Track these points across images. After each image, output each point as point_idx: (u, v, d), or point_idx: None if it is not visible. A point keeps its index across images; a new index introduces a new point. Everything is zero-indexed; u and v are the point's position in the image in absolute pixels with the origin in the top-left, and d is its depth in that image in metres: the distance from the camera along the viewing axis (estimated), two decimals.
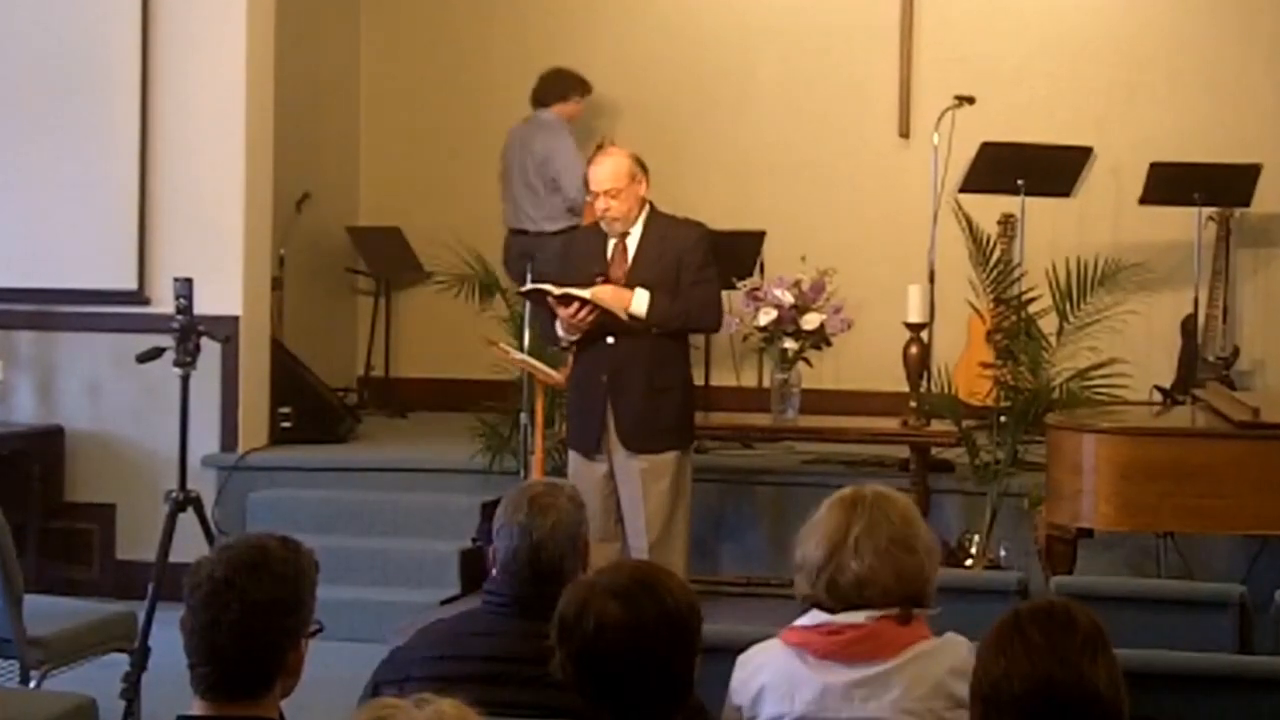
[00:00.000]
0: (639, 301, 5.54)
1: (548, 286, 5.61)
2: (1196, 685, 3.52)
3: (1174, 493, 5.37)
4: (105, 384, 7.31)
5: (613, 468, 5.63)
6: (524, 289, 5.91)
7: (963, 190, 7.41)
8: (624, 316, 5.51)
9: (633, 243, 5.63)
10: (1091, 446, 5.46)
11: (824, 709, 2.93)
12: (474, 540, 6.73)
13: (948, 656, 2.93)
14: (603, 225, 5.65)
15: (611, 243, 5.65)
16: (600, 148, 6.83)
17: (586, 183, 5.79)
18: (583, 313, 5.49)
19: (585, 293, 5.48)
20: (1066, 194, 7.76)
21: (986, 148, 7.45)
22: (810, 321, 6.64)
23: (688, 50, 8.90)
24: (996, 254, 6.84)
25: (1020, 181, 7.49)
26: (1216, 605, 4.19)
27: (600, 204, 5.59)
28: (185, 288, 5.47)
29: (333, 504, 7.16)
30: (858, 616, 2.94)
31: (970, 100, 7.71)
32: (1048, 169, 7.62)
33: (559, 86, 8.22)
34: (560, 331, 5.67)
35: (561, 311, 5.54)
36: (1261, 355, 8.32)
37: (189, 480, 5.64)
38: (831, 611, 2.97)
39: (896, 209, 8.44)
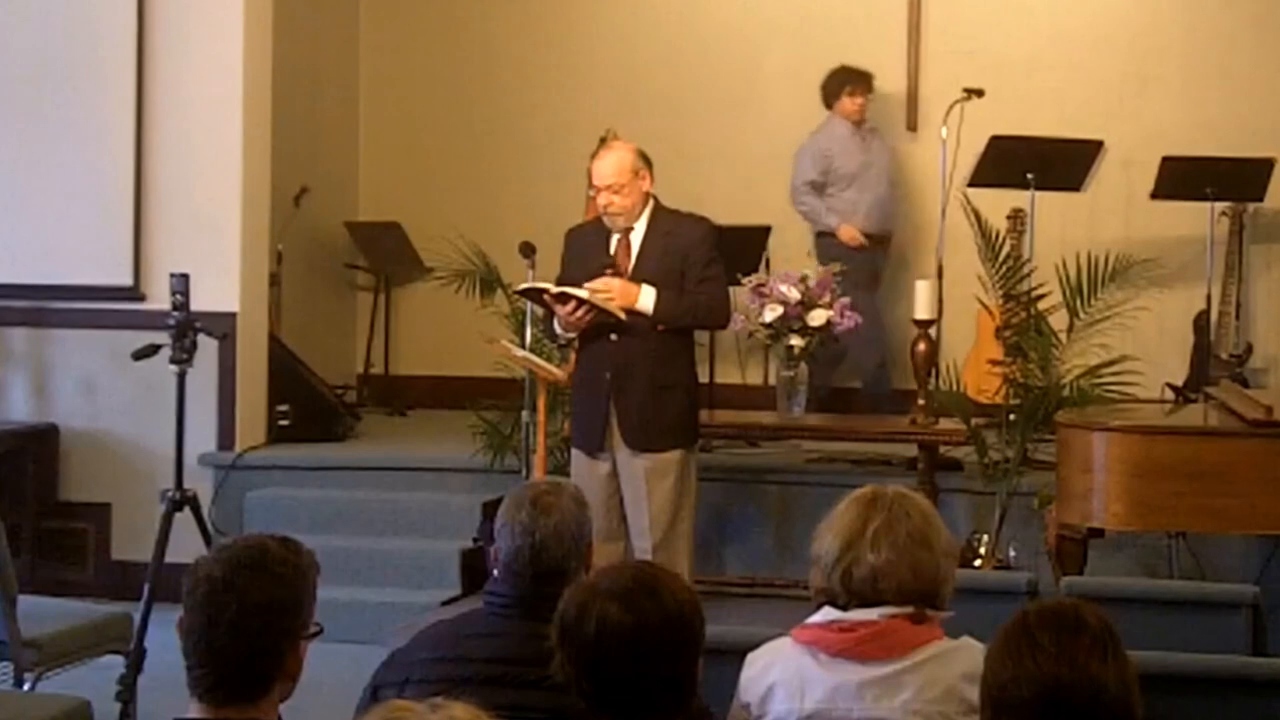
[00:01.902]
0: (645, 298, 5.50)
1: (544, 285, 5.59)
2: (1209, 687, 3.52)
3: (1186, 492, 5.34)
4: (100, 382, 7.29)
5: (616, 466, 5.59)
6: (521, 287, 5.90)
7: (971, 184, 7.39)
8: (621, 315, 5.47)
9: (636, 238, 5.59)
10: (1102, 445, 5.43)
11: (834, 707, 2.91)
12: (475, 540, 6.70)
13: (961, 660, 2.89)
14: (605, 221, 5.60)
15: (615, 238, 5.60)
16: (604, 141, 6.78)
17: (589, 178, 5.74)
18: (579, 312, 5.46)
19: (582, 291, 5.45)
20: (1077, 188, 7.72)
21: (996, 141, 7.40)
22: (817, 318, 6.64)
23: (693, 42, 8.90)
24: (1006, 249, 6.85)
25: (1030, 176, 7.45)
26: (1229, 606, 4.19)
27: (602, 199, 5.55)
28: (182, 284, 5.47)
29: (331, 503, 7.14)
30: (871, 614, 2.92)
31: (979, 93, 7.71)
32: (1058, 163, 7.58)
33: (829, 86, 8.22)
34: (558, 329, 5.65)
35: (559, 310, 5.51)
36: (1275, 352, 8.29)
37: (185, 479, 5.63)
38: (844, 608, 2.95)
39: (904, 203, 8.41)
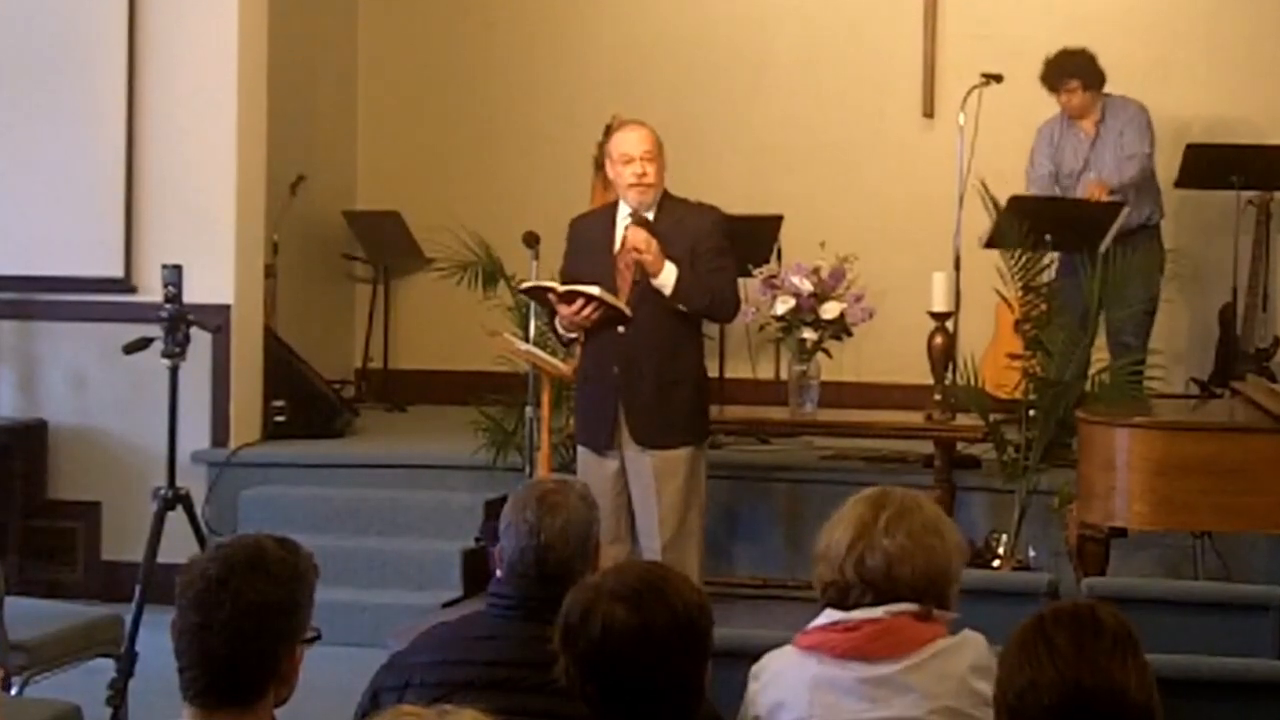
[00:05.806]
0: (668, 273, 5.39)
1: (549, 284, 5.53)
2: (1234, 691, 3.51)
3: (1211, 490, 5.28)
4: (90, 376, 7.26)
5: (624, 464, 5.51)
6: (524, 286, 5.85)
7: (988, 246, 7.15)
8: (628, 311, 5.41)
9: None
10: (1125, 442, 5.37)
11: (844, 710, 2.90)
12: (477, 540, 6.67)
13: (967, 654, 2.90)
14: (630, 197, 5.47)
15: (619, 229, 5.49)
16: (609, 129, 6.68)
17: (608, 156, 5.56)
18: (587, 310, 5.38)
19: (592, 289, 5.37)
20: (1094, 250, 7.54)
21: (1014, 201, 7.03)
22: (830, 310, 6.55)
23: (701, 26, 8.84)
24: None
25: (1048, 237, 7.23)
26: (1255, 608, 4.17)
27: (636, 169, 5.42)
28: (174, 275, 5.45)
29: (329, 502, 7.10)
30: (875, 612, 2.91)
31: (997, 78, 7.65)
32: (1076, 224, 7.36)
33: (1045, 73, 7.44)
34: (560, 328, 5.60)
35: (562, 310, 5.44)
36: None
37: (178, 477, 5.61)
38: (850, 605, 2.93)
39: (920, 192, 8.35)
